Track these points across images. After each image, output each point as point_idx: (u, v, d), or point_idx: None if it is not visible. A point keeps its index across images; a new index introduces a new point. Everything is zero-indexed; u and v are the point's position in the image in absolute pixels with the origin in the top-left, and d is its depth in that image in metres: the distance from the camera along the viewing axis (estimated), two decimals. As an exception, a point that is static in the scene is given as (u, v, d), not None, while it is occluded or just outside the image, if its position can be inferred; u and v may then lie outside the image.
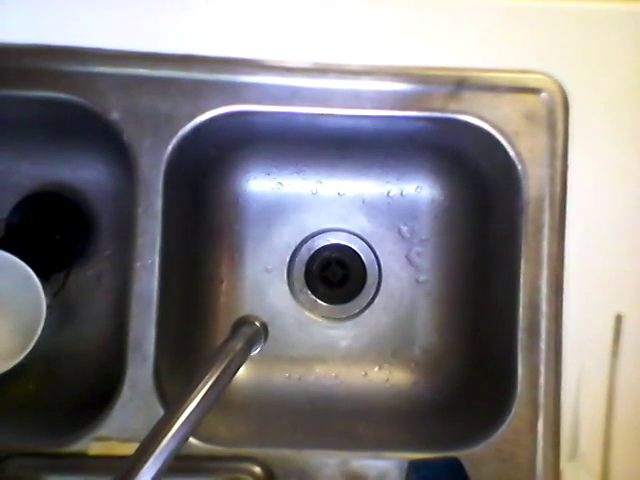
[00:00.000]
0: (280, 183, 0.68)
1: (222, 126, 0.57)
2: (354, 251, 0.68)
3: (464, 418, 0.59)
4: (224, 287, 0.67)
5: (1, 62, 0.55)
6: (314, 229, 0.68)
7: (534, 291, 0.54)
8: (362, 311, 0.68)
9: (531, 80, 0.55)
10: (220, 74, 0.55)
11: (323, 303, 0.68)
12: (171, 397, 0.55)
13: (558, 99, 0.55)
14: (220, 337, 0.66)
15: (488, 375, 0.60)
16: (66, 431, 0.54)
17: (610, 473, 0.53)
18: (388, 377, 0.66)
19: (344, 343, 0.67)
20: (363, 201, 0.68)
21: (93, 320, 0.66)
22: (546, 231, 0.55)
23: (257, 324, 0.48)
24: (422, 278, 0.67)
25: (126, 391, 0.54)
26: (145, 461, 0.36)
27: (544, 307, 0.54)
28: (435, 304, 0.67)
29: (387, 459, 0.54)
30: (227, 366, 0.42)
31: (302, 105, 0.56)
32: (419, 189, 0.67)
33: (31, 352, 0.58)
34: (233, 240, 0.67)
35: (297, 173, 0.67)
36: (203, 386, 0.40)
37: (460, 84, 0.55)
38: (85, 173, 0.67)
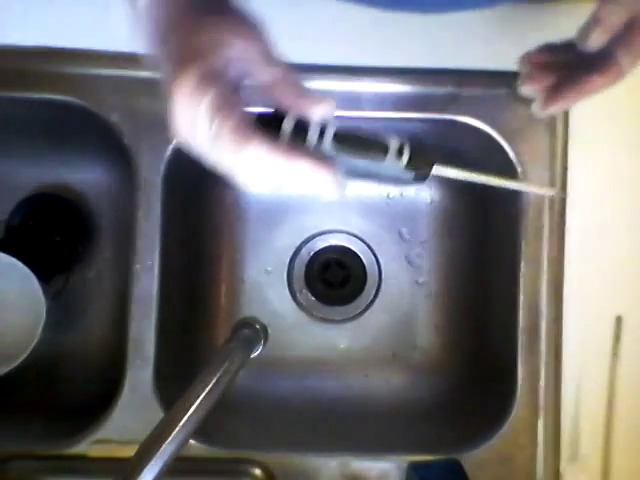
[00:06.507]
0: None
1: (222, 128, 0.57)
2: (354, 252, 0.68)
3: (464, 420, 0.59)
4: (224, 289, 0.67)
5: (1, 63, 0.55)
6: (314, 230, 0.68)
7: (534, 293, 0.54)
8: (362, 312, 0.67)
9: (531, 82, 0.55)
10: (220, 76, 0.55)
11: (323, 304, 0.68)
12: (171, 399, 0.54)
13: (558, 100, 0.55)
14: (220, 339, 0.66)
15: (488, 377, 0.60)
16: (66, 433, 0.54)
17: (610, 475, 0.53)
18: (388, 378, 0.66)
19: (344, 344, 0.67)
20: (363, 203, 0.68)
21: (93, 322, 0.66)
22: (546, 233, 0.55)
23: (257, 326, 0.48)
24: (422, 279, 0.67)
25: (126, 393, 0.54)
26: (145, 463, 0.36)
27: (544, 309, 0.54)
28: (435, 305, 0.67)
29: (387, 461, 0.54)
30: (227, 368, 0.42)
31: (302, 107, 0.55)
32: (419, 191, 0.67)
33: (31, 354, 0.58)
34: (233, 241, 0.67)
35: (297, 174, 0.67)
36: (203, 388, 0.40)
37: (460, 85, 0.55)
38: (85, 175, 0.67)
